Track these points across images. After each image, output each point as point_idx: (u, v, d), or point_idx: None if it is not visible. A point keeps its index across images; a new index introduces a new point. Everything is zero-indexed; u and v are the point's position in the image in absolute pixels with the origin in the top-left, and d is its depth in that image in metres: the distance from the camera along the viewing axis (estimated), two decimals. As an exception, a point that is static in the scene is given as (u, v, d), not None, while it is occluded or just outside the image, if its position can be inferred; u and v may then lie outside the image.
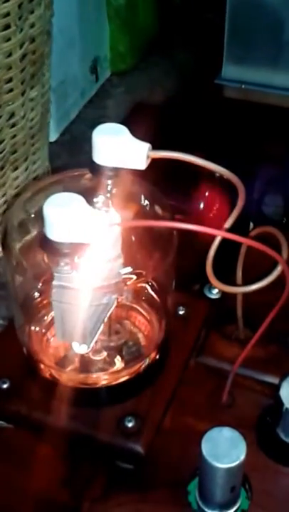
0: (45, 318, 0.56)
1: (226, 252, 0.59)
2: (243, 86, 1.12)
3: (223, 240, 0.51)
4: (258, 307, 0.55)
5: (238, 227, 0.50)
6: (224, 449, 0.47)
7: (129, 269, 0.49)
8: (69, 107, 1.25)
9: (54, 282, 0.46)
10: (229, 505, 0.49)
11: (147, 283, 0.57)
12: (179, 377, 0.57)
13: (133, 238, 0.52)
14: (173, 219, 0.54)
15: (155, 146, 0.48)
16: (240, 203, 0.52)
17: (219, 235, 0.51)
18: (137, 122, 0.69)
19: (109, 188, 0.50)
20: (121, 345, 0.57)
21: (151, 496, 0.50)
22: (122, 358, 0.57)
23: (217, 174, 0.64)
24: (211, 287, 0.69)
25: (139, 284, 0.56)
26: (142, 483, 0.51)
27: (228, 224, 0.52)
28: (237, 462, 0.46)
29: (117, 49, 1.39)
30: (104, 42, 1.36)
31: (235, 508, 0.50)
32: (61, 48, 1.14)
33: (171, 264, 0.53)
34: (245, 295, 0.60)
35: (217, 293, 0.67)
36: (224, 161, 0.52)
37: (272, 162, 0.92)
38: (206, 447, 0.47)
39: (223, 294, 0.66)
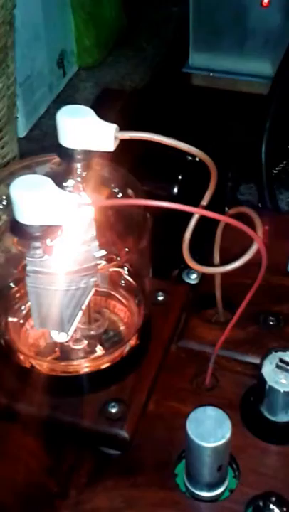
0: (23, 308, 0.56)
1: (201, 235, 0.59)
2: (210, 74, 1.13)
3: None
4: (237, 289, 0.55)
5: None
6: (209, 428, 0.47)
7: (103, 252, 0.49)
8: (37, 102, 1.24)
9: (28, 268, 0.46)
10: (217, 485, 0.50)
11: (123, 268, 0.57)
12: (161, 361, 0.57)
13: (106, 221, 0.51)
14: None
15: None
16: (212, 182, 0.52)
17: (197, 213, 0.51)
18: (104, 107, 0.69)
19: (78, 171, 0.50)
20: (101, 333, 0.57)
21: (139, 481, 0.50)
22: (103, 346, 0.56)
23: (189, 157, 0.64)
24: (190, 272, 0.69)
25: (116, 269, 0.56)
26: (129, 469, 0.51)
27: (204, 201, 0.52)
28: (223, 440, 0.46)
29: (83, 43, 1.39)
30: (71, 35, 1.36)
31: (223, 488, 0.50)
32: (26, 42, 1.13)
33: (146, 247, 0.53)
34: (224, 278, 0.60)
35: (196, 278, 0.68)
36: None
37: (242, 149, 0.93)
38: (191, 427, 0.47)
39: (202, 279, 0.67)
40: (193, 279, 0.68)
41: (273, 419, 0.54)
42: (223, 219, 0.50)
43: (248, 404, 0.56)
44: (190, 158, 0.63)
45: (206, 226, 0.57)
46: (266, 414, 0.54)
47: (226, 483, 0.50)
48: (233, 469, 0.52)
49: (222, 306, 0.62)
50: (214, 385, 0.58)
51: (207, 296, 0.62)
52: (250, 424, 0.54)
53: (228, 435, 0.47)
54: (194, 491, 0.50)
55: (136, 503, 0.49)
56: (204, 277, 0.66)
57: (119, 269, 0.57)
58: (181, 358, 0.60)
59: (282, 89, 0.95)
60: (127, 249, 0.51)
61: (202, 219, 0.51)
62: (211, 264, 0.59)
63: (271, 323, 0.62)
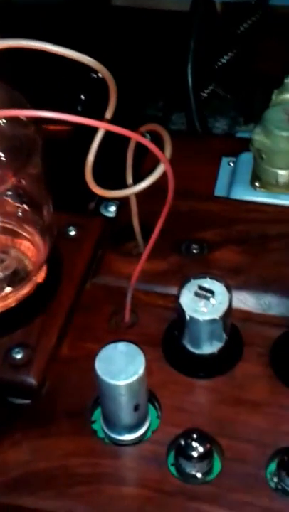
0: None
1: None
2: (132, -9, 1.08)
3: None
4: (157, 218, 0.52)
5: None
6: (120, 365, 0.44)
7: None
8: None
9: None
10: (137, 427, 0.47)
11: (20, 198, 0.53)
12: (74, 301, 0.54)
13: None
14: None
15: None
16: (112, 96, 0.49)
17: (102, 127, 0.48)
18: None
19: None
20: (8, 275, 0.54)
21: (51, 430, 0.48)
22: (9, 286, 0.53)
23: (94, 75, 0.60)
24: (108, 204, 0.66)
25: (12, 203, 0.52)
26: (39, 418, 0.49)
27: (108, 115, 0.49)
28: (136, 377, 0.44)
29: None
30: None
31: (144, 430, 0.48)
32: None
33: (38, 174, 0.49)
34: (142, 207, 0.57)
35: (114, 210, 0.65)
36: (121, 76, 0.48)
37: (172, 74, 0.89)
38: (100, 366, 0.44)
39: (120, 211, 0.64)
40: (111, 211, 0.65)
41: (197, 352, 0.51)
42: (129, 134, 0.47)
43: (170, 338, 0.53)
44: (95, 75, 0.59)
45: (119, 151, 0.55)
46: (189, 347, 0.52)
47: (146, 425, 0.48)
48: (156, 409, 0.50)
49: (142, 238, 0.59)
50: (134, 321, 0.55)
51: (126, 229, 0.59)
52: (173, 360, 0.52)
53: (141, 371, 0.44)
54: (113, 435, 0.47)
55: (47, 454, 0.46)
56: (123, 209, 0.63)
57: (12, 201, 0.53)
58: (98, 296, 0.57)
59: (205, 4, 0.91)
60: (15, 175, 0.47)
61: (114, 144, 0.48)
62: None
63: (194, 251, 0.59)
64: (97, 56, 0.51)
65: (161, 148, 0.50)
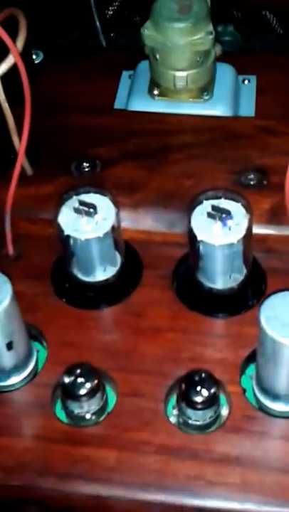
0: None
1: None
2: None
3: None
4: (44, 134, 0.49)
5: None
6: (-18, 297, 0.38)
7: None
8: None
9: None
10: (17, 370, 0.41)
11: None
12: None
13: None
14: None
15: None
16: None
17: None
18: None
19: None
20: None
21: None
22: None
23: None
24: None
25: None
26: None
27: None
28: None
29: None
30: None
31: (28, 372, 0.42)
32: None
33: None
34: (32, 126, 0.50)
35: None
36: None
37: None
38: None
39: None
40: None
41: (88, 279, 0.45)
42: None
43: (60, 269, 0.47)
44: None
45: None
46: (80, 275, 0.45)
47: (31, 366, 0.42)
48: (45, 347, 0.43)
49: (27, 159, 0.52)
50: (20, 254, 0.49)
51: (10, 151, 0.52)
52: (62, 292, 0.46)
53: (6, 301, 0.38)
54: (-9, 383, 0.41)
55: None
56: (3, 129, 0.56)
57: None
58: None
59: None
60: None
61: None
62: None
63: (86, 169, 0.53)
64: None
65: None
